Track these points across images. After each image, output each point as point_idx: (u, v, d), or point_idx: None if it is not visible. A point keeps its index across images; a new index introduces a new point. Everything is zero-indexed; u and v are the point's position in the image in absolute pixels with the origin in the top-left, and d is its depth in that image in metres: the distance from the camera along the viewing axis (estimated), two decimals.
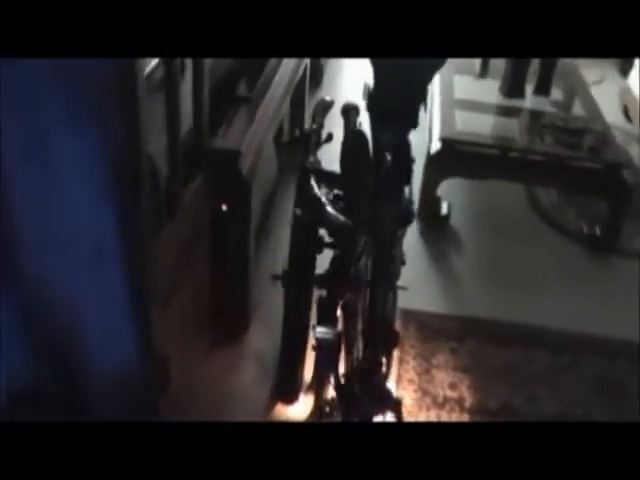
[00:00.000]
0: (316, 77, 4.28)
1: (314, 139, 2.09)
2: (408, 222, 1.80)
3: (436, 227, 3.30)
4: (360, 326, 2.05)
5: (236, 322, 2.54)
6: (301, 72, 3.30)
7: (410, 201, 1.81)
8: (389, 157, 1.72)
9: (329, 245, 2.01)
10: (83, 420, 1.91)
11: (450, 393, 2.45)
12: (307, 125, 2.24)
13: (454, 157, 3.21)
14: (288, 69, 3.04)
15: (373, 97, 1.80)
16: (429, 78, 1.72)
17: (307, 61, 3.44)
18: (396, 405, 1.79)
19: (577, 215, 3.49)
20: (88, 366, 1.96)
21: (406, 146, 1.73)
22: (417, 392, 2.42)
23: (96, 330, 1.89)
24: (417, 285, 2.83)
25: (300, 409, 2.33)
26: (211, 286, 2.38)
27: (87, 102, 1.54)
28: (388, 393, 1.76)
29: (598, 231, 3.31)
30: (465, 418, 2.37)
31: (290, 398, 2.26)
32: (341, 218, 1.69)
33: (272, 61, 2.90)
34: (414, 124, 1.73)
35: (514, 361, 2.63)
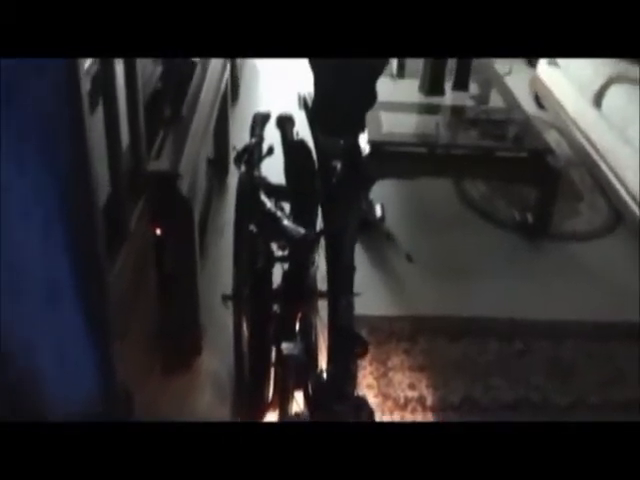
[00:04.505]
0: (233, 90, 4.25)
1: (256, 153, 2.07)
2: (370, 227, 1.79)
3: (372, 230, 3.30)
4: (322, 337, 2.03)
5: (188, 346, 2.50)
6: (223, 87, 3.27)
7: (370, 205, 1.80)
8: (340, 165, 1.71)
9: (281, 259, 2.00)
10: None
11: (410, 393, 2.46)
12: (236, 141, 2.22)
13: (383, 159, 3.22)
14: (212, 85, 3.01)
15: (314, 106, 1.78)
16: (374, 80, 1.71)
17: (227, 75, 3.42)
18: (370, 412, 1.78)
19: (507, 204, 3.56)
20: (47, 407, 1.89)
21: (357, 151, 1.71)
22: (378, 397, 2.42)
23: (54, 369, 1.82)
24: (362, 290, 2.84)
25: None
26: (161, 312, 2.32)
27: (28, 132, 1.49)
28: (363, 400, 1.74)
29: (530, 218, 3.38)
30: (429, 416, 2.39)
31: (256, 417, 2.23)
32: (301, 230, 1.67)
33: (196, 78, 2.86)
34: (362, 128, 1.72)
35: (467, 354, 2.66)
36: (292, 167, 2.01)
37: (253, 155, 2.03)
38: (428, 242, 3.27)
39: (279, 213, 1.76)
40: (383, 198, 3.42)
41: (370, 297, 2.83)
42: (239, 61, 4.54)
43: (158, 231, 2.26)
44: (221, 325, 2.58)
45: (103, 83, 1.77)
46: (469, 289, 2.97)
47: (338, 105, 1.69)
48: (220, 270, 2.74)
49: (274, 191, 1.96)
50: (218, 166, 3.38)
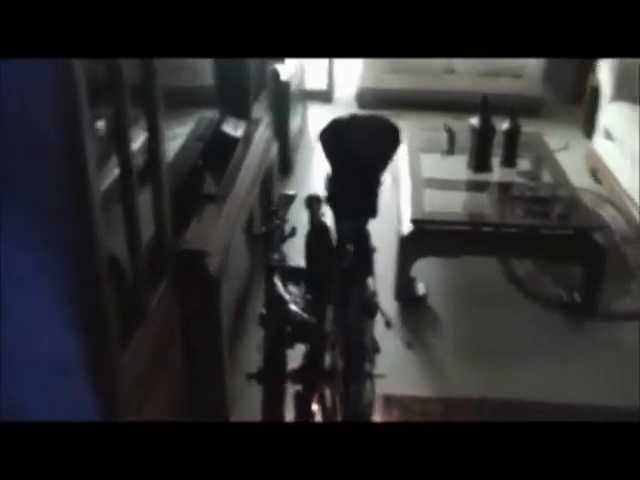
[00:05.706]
0: (286, 167, 4.32)
1: (278, 235, 2.09)
2: (372, 315, 1.79)
3: (414, 308, 3.28)
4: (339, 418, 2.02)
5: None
6: (268, 163, 3.33)
7: (373, 293, 1.80)
8: (350, 248, 1.72)
9: (300, 340, 2.00)
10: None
11: None
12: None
13: (426, 238, 3.21)
14: (253, 161, 3.07)
15: (331, 189, 1.80)
16: (382, 168, 1.73)
17: (275, 152, 3.48)
18: None
19: (554, 283, 3.49)
20: None
21: (365, 236, 1.73)
22: None
23: None
24: (399, 369, 2.81)
25: None
26: (186, 389, 2.33)
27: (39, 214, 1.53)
28: None
29: (577, 297, 3.30)
30: None
31: None
32: (303, 316, 1.67)
33: (237, 156, 2.92)
34: (373, 214, 1.74)
35: None
36: (311, 249, 2.03)
37: (274, 237, 2.06)
38: (471, 321, 3.23)
39: (287, 296, 1.76)
40: (427, 275, 3.41)
41: (407, 377, 2.82)
42: (293, 135, 4.61)
43: (185, 308, 2.29)
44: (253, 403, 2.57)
45: (121, 175, 1.82)
46: (508, 370, 2.90)
47: (347, 190, 1.71)
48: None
49: (292, 273, 1.97)
50: (259, 244, 3.40)
